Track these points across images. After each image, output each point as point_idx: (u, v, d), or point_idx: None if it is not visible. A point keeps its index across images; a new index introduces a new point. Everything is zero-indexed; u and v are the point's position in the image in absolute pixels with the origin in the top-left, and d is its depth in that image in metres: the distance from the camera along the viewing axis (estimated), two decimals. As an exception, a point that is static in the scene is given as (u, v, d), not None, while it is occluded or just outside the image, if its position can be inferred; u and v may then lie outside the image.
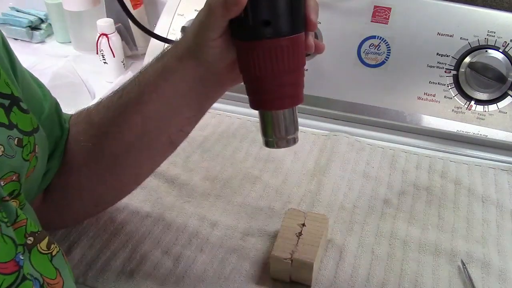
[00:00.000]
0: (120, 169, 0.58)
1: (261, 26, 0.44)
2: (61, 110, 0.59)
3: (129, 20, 0.99)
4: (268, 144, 0.49)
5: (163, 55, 0.53)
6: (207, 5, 0.47)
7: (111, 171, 0.58)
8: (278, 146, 0.49)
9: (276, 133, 0.48)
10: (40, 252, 0.43)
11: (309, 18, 0.46)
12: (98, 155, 0.57)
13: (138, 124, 0.54)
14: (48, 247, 0.44)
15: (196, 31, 0.49)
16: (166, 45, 0.90)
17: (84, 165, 0.58)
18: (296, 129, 0.49)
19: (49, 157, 0.56)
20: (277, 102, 0.47)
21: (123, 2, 0.63)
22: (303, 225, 0.59)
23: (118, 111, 0.55)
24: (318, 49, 0.48)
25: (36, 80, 0.57)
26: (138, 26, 0.63)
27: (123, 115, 0.54)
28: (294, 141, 0.49)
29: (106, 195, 0.62)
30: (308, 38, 0.47)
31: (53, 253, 0.45)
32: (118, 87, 0.56)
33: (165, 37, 0.87)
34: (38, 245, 0.43)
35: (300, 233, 0.58)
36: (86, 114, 0.59)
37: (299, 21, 0.45)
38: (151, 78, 0.53)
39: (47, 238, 0.45)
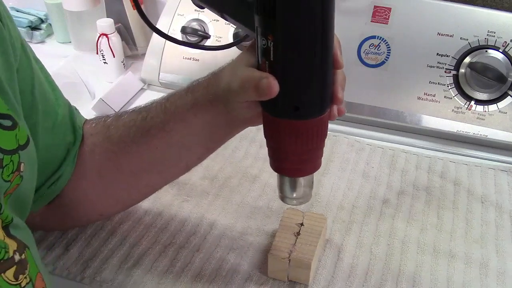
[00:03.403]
0: (133, 187, 0.59)
1: (290, 109, 0.44)
2: (74, 114, 0.59)
3: (129, 19, 1.00)
4: (284, 200, 0.51)
5: (193, 89, 0.53)
6: (239, 78, 0.46)
7: (122, 187, 0.59)
8: (294, 204, 0.51)
9: (292, 194, 0.50)
10: (7, 282, 0.41)
11: (337, 96, 0.45)
12: (113, 170, 0.57)
13: (159, 149, 0.55)
14: (16, 277, 0.41)
15: (227, 91, 0.49)
16: (166, 42, 0.91)
17: (96, 177, 0.58)
18: (311, 188, 0.51)
19: (61, 163, 0.56)
20: (296, 172, 0.48)
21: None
22: (301, 224, 0.59)
23: (140, 133, 0.55)
24: (340, 114, 0.47)
25: (51, 84, 0.57)
26: (144, 19, 0.63)
27: (145, 138, 0.55)
28: (308, 198, 0.51)
29: (112, 207, 0.62)
30: (332, 109, 0.46)
31: (22, 284, 0.42)
32: (140, 107, 0.57)
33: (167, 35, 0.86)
34: (2, 274, 0.40)
35: (298, 233, 0.58)
36: (103, 127, 0.59)
37: (327, 102, 0.45)
38: (179, 110, 0.53)
39: (14, 267, 0.41)
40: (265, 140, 0.50)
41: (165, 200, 0.69)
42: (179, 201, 0.69)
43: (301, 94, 0.43)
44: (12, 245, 0.42)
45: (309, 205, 0.68)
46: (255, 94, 0.44)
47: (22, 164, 0.44)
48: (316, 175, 0.73)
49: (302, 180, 0.49)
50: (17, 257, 0.42)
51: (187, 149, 0.56)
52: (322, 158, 0.75)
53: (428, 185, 0.71)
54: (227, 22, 0.89)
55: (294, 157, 0.47)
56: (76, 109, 0.61)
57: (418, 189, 0.71)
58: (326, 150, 0.78)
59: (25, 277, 0.42)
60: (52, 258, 0.60)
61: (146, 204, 0.68)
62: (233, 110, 0.50)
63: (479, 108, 0.78)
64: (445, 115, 0.80)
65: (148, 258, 0.60)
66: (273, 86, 0.42)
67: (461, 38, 0.78)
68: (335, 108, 0.46)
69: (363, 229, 0.64)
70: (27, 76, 0.50)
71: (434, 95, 0.80)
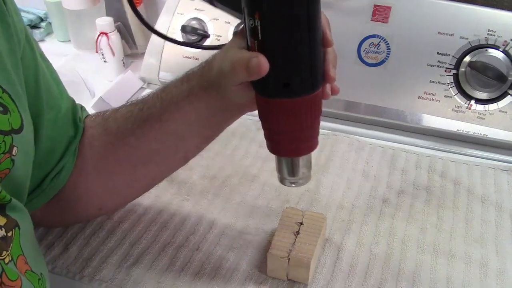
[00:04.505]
0: (132, 179, 0.59)
1: (280, 87, 0.44)
2: (77, 109, 0.59)
3: (129, 18, 1.00)
4: (283, 182, 0.52)
5: (188, 78, 0.54)
6: (229, 60, 0.47)
7: (122, 180, 0.59)
8: (293, 185, 0.51)
9: (290, 175, 0.50)
10: None
11: (328, 74, 0.46)
12: (111, 162, 0.58)
13: (156, 140, 0.55)
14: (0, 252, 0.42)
15: (219, 74, 0.49)
16: (166, 42, 0.91)
17: (95, 170, 0.58)
18: (309, 169, 0.51)
19: (62, 155, 0.56)
20: (292, 152, 0.49)
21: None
22: (301, 223, 0.59)
23: (137, 124, 0.56)
24: (334, 93, 0.48)
25: (55, 79, 0.57)
26: (142, 21, 0.63)
27: (142, 129, 0.55)
28: (307, 180, 0.51)
29: (112, 201, 0.62)
30: (325, 87, 0.46)
31: (6, 261, 0.42)
32: (137, 99, 0.58)
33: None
34: None
35: (297, 232, 0.58)
36: (101, 119, 0.59)
37: (319, 79, 0.45)
38: (175, 99, 0.54)
39: None
40: (265, 139, 0.50)
41: (164, 199, 0.69)
42: (179, 200, 0.69)
43: (290, 70, 0.44)
44: (0, 221, 0.42)
45: (309, 204, 0.68)
46: (246, 74, 0.45)
47: (15, 148, 0.44)
48: (316, 174, 0.74)
49: (299, 160, 0.49)
50: (2, 232, 0.42)
51: (185, 139, 0.56)
52: (322, 157, 0.76)
53: (428, 185, 0.71)
54: (227, 21, 0.90)
55: (289, 136, 0.47)
56: (82, 106, 0.62)
57: (418, 189, 0.71)
58: (326, 149, 0.78)
59: (8, 255, 0.42)
60: (52, 257, 0.60)
61: (145, 202, 0.68)
62: (226, 95, 0.50)
63: (479, 107, 0.78)
64: (445, 114, 0.80)
65: (147, 257, 0.60)
66: (263, 64, 0.43)
67: (461, 37, 0.78)
68: (328, 86, 0.46)
69: (362, 229, 0.64)
70: (31, 67, 0.51)
71: (434, 94, 0.80)
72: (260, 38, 0.42)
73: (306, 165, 0.50)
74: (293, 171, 0.50)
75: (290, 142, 0.48)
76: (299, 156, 0.49)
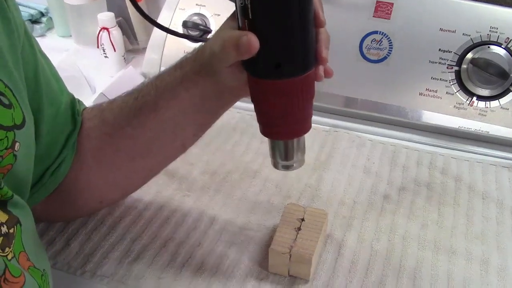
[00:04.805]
0: (131, 170, 0.59)
1: (271, 68, 0.44)
2: (76, 103, 0.60)
3: (130, 13, 0.99)
4: (276, 166, 0.51)
5: (182, 65, 0.54)
6: (220, 40, 0.47)
7: (121, 171, 0.59)
8: (286, 169, 0.51)
9: (284, 159, 0.50)
10: None
11: (321, 55, 0.45)
12: (109, 154, 0.58)
13: (152, 128, 0.55)
14: (2, 249, 0.42)
15: (210, 56, 0.49)
16: (168, 36, 0.91)
17: (94, 162, 0.58)
18: (303, 153, 0.50)
19: (61, 149, 0.57)
20: (285, 135, 0.48)
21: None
22: (302, 219, 0.59)
23: (132, 113, 0.55)
24: (327, 75, 0.47)
25: (55, 74, 0.58)
26: (142, 14, 0.63)
27: (137, 118, 0.55)
28: (300, 164, 0.51)
29: (112, 193, 0.62)
30: (318, 69, 0.46)
31: (9, 257, 0.42)
32: (132, 89, 0.57)
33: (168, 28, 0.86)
34: None
35: (299, 228, 0.58)
36: (98, 111, 0.59)
37: (310, 60, 0.45)
38: (169, 86, 0.54)
39: (1, 238, 0.42)
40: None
41: (165, 195, 0.69)
42: (180, 196, 0.69)
43: (281, 50, 0.43)
44: (2, 218, 0.42)
45: (310, 200, 0.68)
46: (236, 53, 0.44)
47: (17, 144, 0.44)
48: (317, 170, 0.74)
49: (292, 143, 0.49)
50: (4, 229, 0.42)
51: (181, 126, 0.56)
52: (323, 153, 0.76)
53: (429, 181, 0.71)
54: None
55: (281, 119, 0.47)
56: (79, 100, 0.62)
57: (419, 185, 0.71)
58: (327, 145, 0.78)
59: (11, 251, 0.42)
60: (53, 253, 0.60)
61: (146, 198, 0.68)
62: (219, 77, 0.50)
63: (481, 104, 0.78)
64: (446, 111, 0.79)
65: (149, 253, 0.60)
66: (253, 42, 0.42)
67: (463, 34, 0.78)
68: (321, 68, 0.46)
69: (364, 225, 0.64)
70: (30, 62, 0.51)
71: (436, 91, 0.80)
72: (250, 17, 0.42)
73: (299, 148, 0.50)
74: (286, 155, 0.49)
75: (283, 125, 0.47)
76: (292, 139, 0.49)
